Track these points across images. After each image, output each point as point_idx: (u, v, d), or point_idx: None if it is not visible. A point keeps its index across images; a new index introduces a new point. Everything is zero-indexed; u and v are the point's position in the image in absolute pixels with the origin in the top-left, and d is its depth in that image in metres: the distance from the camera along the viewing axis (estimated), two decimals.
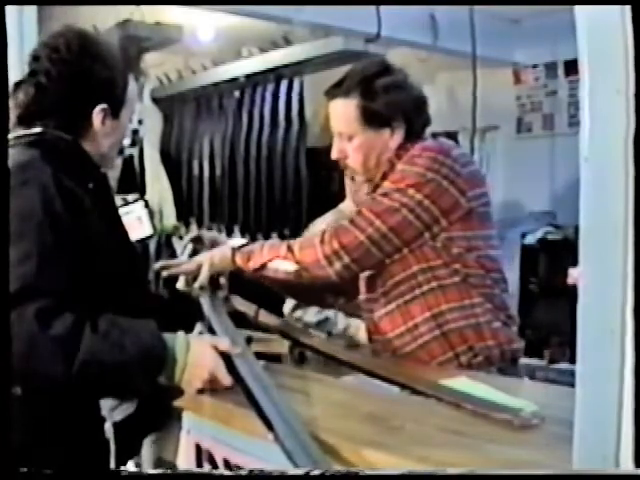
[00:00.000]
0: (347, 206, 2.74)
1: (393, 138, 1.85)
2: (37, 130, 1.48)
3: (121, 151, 1.71)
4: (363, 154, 1.86)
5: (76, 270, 1.36)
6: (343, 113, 1.87)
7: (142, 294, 1.63)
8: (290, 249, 1.79)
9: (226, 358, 1.41)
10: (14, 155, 1.41)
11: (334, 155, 1.91)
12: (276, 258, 1.79)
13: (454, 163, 1.77)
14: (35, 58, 1.51)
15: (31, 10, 1.86)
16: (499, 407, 1.31)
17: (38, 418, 1.37)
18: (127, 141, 1.74)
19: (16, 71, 1.50)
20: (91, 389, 1.35)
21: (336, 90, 1.88)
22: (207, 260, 1.84)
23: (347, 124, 1.86)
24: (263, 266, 1.80)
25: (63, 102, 1.49)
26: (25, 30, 1.82)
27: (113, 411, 1.41)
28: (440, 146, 1.85)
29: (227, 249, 1.87)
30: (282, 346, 2.02)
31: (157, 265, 1.89)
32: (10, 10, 1.14)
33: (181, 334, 1.42)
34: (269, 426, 1.17)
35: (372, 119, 1.84)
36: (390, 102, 1.83)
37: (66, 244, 1.36)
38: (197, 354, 1.40)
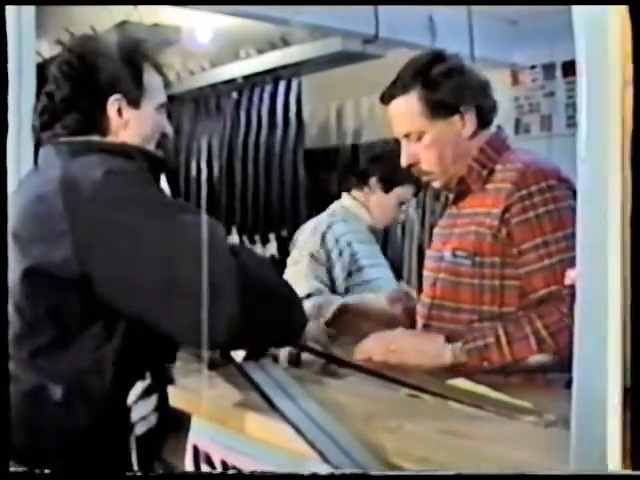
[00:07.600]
0: (345, 204, 2.70)
1: (465, 125, 1.73)
2: (121, 140, 1.53)
3: (159, 145, 1.69)
4: (437, 150, 1.72)
5: None
6: (406, 111, 1.73)
7: None
8: (541, 339, 1.54)
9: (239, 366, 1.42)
10: (103, 161, 1.43)
11: (404, 162, 1.76)
12: (529, 354, 1.55)
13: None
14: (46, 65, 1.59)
15: (29, 10, 1.86)
16: (520, 409, 1.30)
17: (72, 425, 1.38)
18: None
19: (15, 71, 1.51)
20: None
21: (392, 90, 1.75)
22: (412, 352, 1.63)
23: (413, 121, 1.73)
24: (507, 365, 1.57)
25: (74, 98, 1.52)
26: (24, 30, 1.82)
27: (136, 424, 1.40)
28: (554, 170, 1.69)
29: (440, 344, 1.61)
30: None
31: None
32: (9, 10, 1.14)
33: None
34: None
35: (439, 109, 1.71)
36: (454, 87, 1.71)
37: None
38: None
